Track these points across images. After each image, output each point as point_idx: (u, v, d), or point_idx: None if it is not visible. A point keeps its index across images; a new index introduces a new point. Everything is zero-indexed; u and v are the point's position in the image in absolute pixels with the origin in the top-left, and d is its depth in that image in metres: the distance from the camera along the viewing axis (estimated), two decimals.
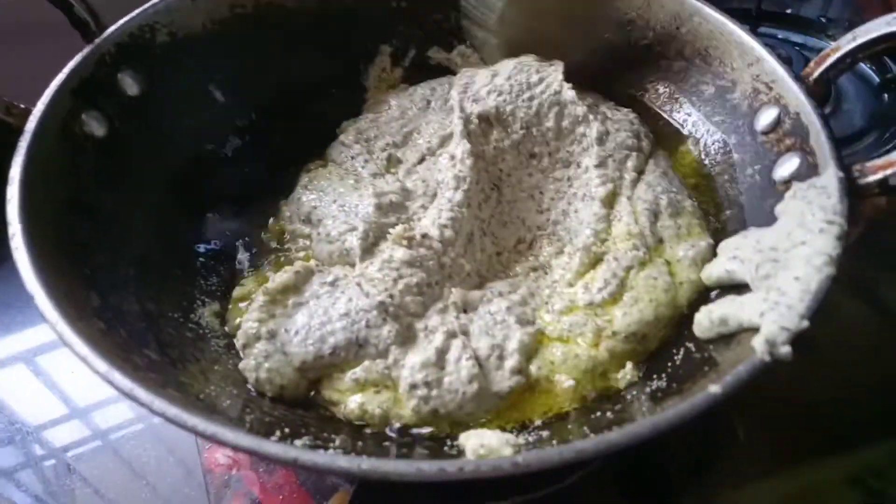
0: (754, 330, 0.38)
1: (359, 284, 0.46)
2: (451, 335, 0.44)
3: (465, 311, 0.46)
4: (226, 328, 0.48)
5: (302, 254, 0.53)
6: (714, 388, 0.32)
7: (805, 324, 0.35)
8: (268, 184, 0.57)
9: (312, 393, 0.45)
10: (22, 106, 0.46)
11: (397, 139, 0.58)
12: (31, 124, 0.44)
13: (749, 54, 0.52)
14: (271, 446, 0.30)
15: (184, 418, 0.31)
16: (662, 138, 0.59)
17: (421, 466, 0.29)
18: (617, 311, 0.46)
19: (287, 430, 0.39)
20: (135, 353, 0.38)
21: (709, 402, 0.32)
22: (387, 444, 0.41)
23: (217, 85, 0.58)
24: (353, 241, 0.49)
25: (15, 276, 0.60)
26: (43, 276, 0.37)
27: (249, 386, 0.44)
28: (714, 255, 0.49)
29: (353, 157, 0.57)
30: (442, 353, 0.43)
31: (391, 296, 0.45)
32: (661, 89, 0.60)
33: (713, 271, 0.46)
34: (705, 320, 0.42)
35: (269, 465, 0.50)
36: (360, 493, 0.48)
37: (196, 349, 0.45)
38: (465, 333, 0.44)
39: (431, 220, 0.49)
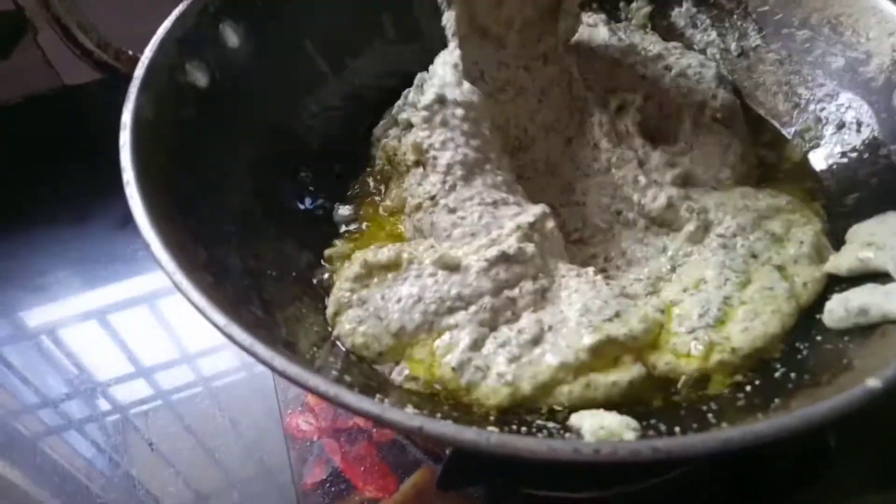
0: None
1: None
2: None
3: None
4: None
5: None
6: (873, 383, 0.29)
7: None
8: (365, 141, 0.56)
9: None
10: (130, 52, 0.45)
11: None
12: (139, 71, 0.43)
13: (890, 22, 0.48)
14: (397, 413, 0.28)
15: (306, 378, 0.29)
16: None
17: (553, 445, 0.28)
18: (733, 326, 0.41)
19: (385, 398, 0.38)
20: (243, 309, 0.38)
21: (866, 396, 0.29)
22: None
23: (313, 41, 0.57)
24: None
25: (103, 233, 0.65)
26: (157, 226, 0.36)
27: (344, 349, 0.43)
28: (830, 239, 0.45)
29: None
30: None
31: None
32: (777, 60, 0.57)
33: (843, 260, 0.43)
34: (840, 309, 0.39)
35: (351, 435, 0.50)
36: (449, 470, 0.46)
37: (296, 309, 0.44)
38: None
39: None
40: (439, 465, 0.46)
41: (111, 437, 0.53)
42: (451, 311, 0.42)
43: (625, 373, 0.39)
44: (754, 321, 0.40)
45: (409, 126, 0.53)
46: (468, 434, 0.28)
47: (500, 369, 0.39)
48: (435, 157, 0.49)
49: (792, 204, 0.47)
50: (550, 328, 0.41)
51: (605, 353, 0.39)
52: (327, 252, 0.49)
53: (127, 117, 0.41)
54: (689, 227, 0.46)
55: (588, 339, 0.39)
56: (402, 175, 0.52)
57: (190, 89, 0.47)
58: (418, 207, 0.49)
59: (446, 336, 0.41)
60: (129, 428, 0.54)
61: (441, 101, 0.49)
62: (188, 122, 0.46)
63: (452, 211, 0.47)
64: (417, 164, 0.51)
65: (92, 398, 0.56)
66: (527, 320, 0.41)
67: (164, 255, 0.34)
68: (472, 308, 0.42)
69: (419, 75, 0.54)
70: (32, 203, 0.66)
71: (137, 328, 0.60)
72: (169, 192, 0.41)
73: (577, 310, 0.41)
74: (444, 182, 0.48)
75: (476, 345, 0.41)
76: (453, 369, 0.40)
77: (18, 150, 0.67)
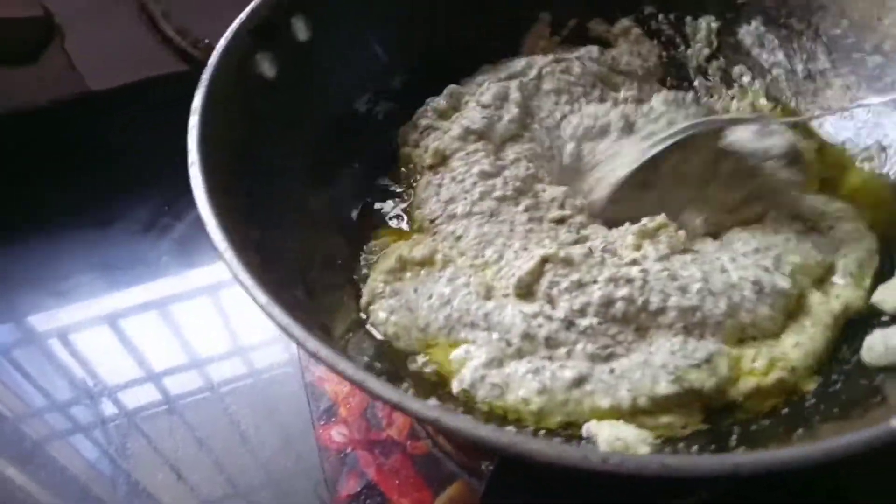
0: None
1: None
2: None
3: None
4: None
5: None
6: None
7: None
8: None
9: None
10: (206, 41, 0.48)
11: None
12: (213, 58, 0.46)
13: None
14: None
15: (334, 360, 0.31)
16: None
17: (588, 455, 0.28)
18: (787, 339, 0.41)
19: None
20: (286, 292, 0.40)
21: (891, 436, 0.29)
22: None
23: (378, 38, 0.58)
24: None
25: (127, 237, 0.63)
26: (213, 204, 0.38)
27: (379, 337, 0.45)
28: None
29: None
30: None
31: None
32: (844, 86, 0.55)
33: (889, 296, 0.42)
34: (879, 346, 0.38)
35: (385, 447, 0.50)
36: (494, 485, 0.43)
37: (337, 297, 0.46)
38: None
39: None
40: (475, 479, 0.47)
41: (116, 442, 0.53)
42: (472, 326, 0.42)
43: (682, 419, 0.37)
44: (802, 335, 0.40)
45: (428, 129, 0.56)
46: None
47: (524, 394, 0.39)
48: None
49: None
50: (612, 372, 0.39)
51: (674, 402, 0.37)
52: (369, 244, 0.51)
53: (197, 102, 0.43)
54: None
55: (664, 388, 0.37)
56: (420, 176, 0.55)
57: (258, 79, 0.50)
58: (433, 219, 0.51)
59: (461, 349, 0.42)
60: (133, 433, 0.54)
61: None
62: (254, 110, 0.49)
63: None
64: (433, 167, 0.53)
65: (99, 402, 0.56)
66: (576, 362, 0.39)
67: (218, 234, 0.36)
68: (495, 335, 0.41)
69: (449, 87, 0.57)
70: (58, 207, 0.66)
71: (158, 332, 0.60)
72: (229, 174, 0.43)
73: (667, 349, 0.39)
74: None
75: (493, 363, 0.40)
76: (465, 390, 0.40)
77: (44, 154, 0.67)
